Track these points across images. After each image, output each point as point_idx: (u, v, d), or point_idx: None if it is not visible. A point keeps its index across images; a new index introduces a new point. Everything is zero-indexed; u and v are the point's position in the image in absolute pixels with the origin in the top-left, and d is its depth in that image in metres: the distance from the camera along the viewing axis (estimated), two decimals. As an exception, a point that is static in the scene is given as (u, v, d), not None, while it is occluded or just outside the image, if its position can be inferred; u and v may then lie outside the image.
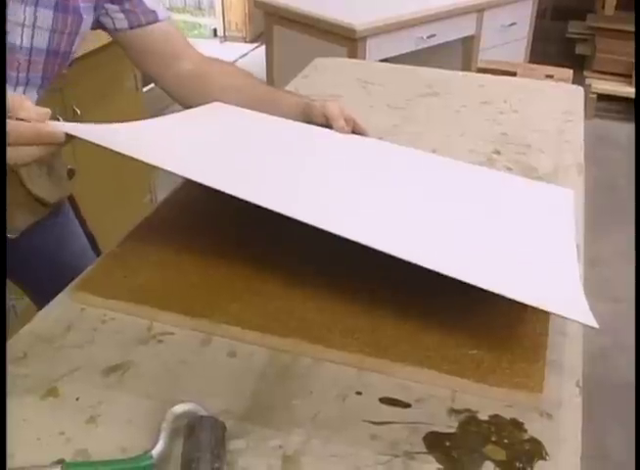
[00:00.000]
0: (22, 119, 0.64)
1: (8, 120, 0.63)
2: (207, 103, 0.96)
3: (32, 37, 0.80)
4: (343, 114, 0.95)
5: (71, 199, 1.10)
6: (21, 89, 0.83)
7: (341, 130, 0.96)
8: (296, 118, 0.96)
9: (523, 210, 0.83)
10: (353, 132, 0.96)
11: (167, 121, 0.88)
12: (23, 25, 0.78)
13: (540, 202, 0.86)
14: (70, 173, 1.11)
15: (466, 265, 0.64)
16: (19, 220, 0.99)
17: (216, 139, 0.85)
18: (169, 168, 0.67)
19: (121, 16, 0.90)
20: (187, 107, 0.98)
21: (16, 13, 0.77)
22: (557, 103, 1.26)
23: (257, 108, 0.97)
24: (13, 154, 0.63)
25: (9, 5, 0.76)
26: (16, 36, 0.78)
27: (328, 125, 0.94)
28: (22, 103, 0.65)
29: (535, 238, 0.75)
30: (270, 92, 1.01)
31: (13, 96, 0.66)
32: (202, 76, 0.98)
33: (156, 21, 0.93)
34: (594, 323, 0.59)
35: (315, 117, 0.95)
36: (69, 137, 0.66)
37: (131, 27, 0.92)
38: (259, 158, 0.82)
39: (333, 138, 0.93)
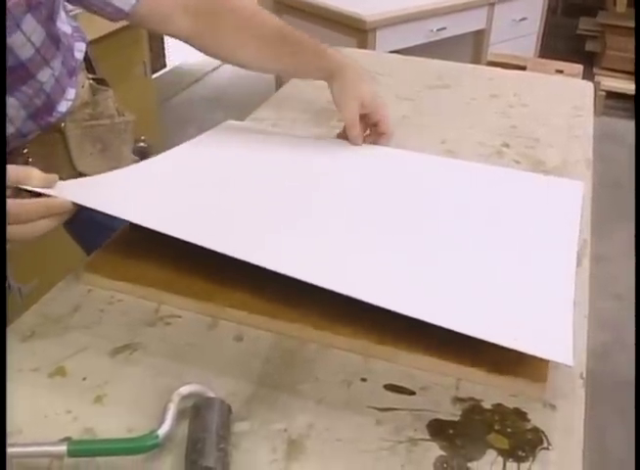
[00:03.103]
0: (30, 191, 0.65)
1: (16, 200, 0.63)
2: (225, 53, 0.96)
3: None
4: (369, 107, 0.95)
5: None
6: None
7: (354, 140, 0.96)
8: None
9: (524, 220, 0.82)
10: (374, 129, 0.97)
11: (168, 164, 0.87)
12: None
13: (546, 204, 0.86)
14: (143, 151, 1.09)
15: (448, 308, 0.64)
16: None
17: (212, 183, 0.83)
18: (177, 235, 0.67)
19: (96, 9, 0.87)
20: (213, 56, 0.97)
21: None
22: (567, 98, 1.25)
23: (280, 63, 0.97)
24: (27, 229, 0.64)
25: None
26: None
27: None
28: (30, 173, 0.67)
29: (532, 262, 0.74)
30: (294, 53, 0.97)
31: (17, 167, 0.66)
32: (205, 32, 0.93)
33: (123, 14, 0.86)
34: (570, 362, 0.58)
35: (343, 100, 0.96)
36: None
37: (112, 20, 0.89)
38: (255, 203, 0.80)
39: (334, 166, 0.92)
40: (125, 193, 0.77)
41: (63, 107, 0.93)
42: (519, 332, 0.61)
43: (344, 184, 0.88)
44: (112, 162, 1.02)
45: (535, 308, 0.65)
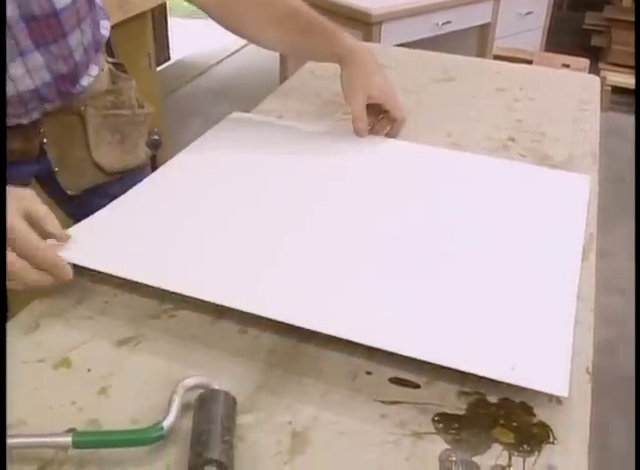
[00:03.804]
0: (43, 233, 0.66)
1: (38, 238, 0.64)
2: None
3: None
4: (378, 98, 0.95)
5: (155, 168, 1.08)
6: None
7: (360, 132, 0.97)
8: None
9: (530, 214, 0.82)
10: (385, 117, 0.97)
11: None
12: None
13: (552, 198, 0.86)
14: (155, 144, 1.08)
15: (441, 340, 0.63)
16: (76, 181, 0.99)
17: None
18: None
19: None
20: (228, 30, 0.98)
21: None
22: (573, 92, 1.25)
23: (291, 44, 0.98)
24: (35, 276, 0.64)
25: None
26: None
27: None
28: (52, 220, 0.67)
29: (536, 260, 0.73)
30: (305, 34, 0.97)
31: (39, 206, 0.66)
32: (223, 5, 0.95)
33: None
34: (565, 393, 0.57)
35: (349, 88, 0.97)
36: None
37: None
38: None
39: (335, 172, 0.91)
40: (124, 247, 0.74)
41: (85, 81, 0.92)
42: (514, 361, 0.60)
43: (342, 192, 0.86)
44: (127, 154, 1.01)
45: (533, 336, 0.64)
